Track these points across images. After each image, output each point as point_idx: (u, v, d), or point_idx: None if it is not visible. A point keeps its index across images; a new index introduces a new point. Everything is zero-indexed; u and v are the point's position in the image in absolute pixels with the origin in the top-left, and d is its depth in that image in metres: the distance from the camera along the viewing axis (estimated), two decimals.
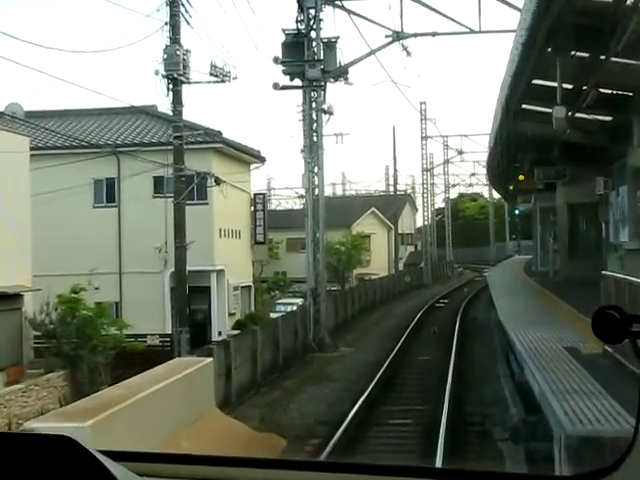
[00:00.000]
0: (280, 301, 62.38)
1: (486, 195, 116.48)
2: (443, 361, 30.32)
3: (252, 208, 52.19)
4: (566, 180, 36.87)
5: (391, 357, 31.19)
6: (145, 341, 42.58)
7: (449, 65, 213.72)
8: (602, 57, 19.66)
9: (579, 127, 29.33)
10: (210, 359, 20.29)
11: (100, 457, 2.09)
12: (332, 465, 2.89)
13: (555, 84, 24.09)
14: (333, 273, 75.60)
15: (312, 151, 34.47)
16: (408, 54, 35.60)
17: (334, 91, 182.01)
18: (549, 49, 19.74)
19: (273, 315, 54.41)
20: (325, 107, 34.96)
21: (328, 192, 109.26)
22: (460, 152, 73.54)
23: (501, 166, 45.95)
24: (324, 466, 2.96)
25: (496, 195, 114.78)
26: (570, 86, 24.63)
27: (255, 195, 52.31)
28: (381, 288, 57.65)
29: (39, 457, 2.11)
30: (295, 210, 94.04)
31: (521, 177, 37.28)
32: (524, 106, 29.97)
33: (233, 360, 23.88)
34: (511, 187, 48.88)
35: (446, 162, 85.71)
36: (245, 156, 49.53)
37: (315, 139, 34.59)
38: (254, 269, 70.52)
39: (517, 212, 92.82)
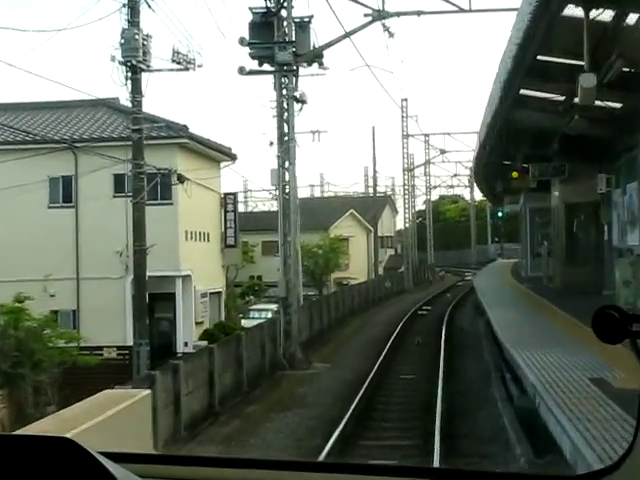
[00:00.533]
0: (254, 307, 59.04)
1: (467, 197, 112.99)
2: (430, 380, 26.38)
3: (222, 209, 48.21)
4: (564, 177, 33.00)
5: (371, 375, 27.25)
6: (101, 354, 38.86)
7: (435, 51, 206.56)
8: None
9: (586, 115, 25.44)
10: (147, 391, 16.17)
11: (101, 459, 2.06)
12: (331, 466, 2.82)
13: (565, 61, 20.30)
14: (310, 277, 72.82)
15: (283, 144, 30.40)
16: (390, 35, 31.68)
17: (310, 85, 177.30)
18: (569, 5, 15.79)
19: (245, 322, 51.38)
20: (297, 95, 30.92)
21: (306, 194, 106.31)
22: (443, 151, 69.57)
23: (490, 163, 42.10)
24: (323, 467, 2.87)
25: (478, 197, 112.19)
26: (581, 63, 20.79)
27: (225, 195, 48.17)
28: (360, 294, 53.60)
29: (40, 459, 2.07)
30: (271, 212, 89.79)
31: (514, 174, 33.41)
32: (523, 92, 26.04)
33: (183, 386, 19.82)
34: (500, 186, 45.07)
35: (427, 162, 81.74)
36: (214, 153, 45.55)
37: (286, 130, 30.53)
38: (228, 273, 69.35)
39: (500, 214, 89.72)
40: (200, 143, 42.73)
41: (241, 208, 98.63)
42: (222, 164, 48.38)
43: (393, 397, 24.85)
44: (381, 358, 30.89)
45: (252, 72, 30.52)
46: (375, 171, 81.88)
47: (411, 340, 36.80)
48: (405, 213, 76.44)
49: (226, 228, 48.21)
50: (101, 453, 2.10)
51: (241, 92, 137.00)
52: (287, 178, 30.86)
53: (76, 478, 2.02)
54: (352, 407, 22.16)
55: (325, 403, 23.93)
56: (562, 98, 25.99)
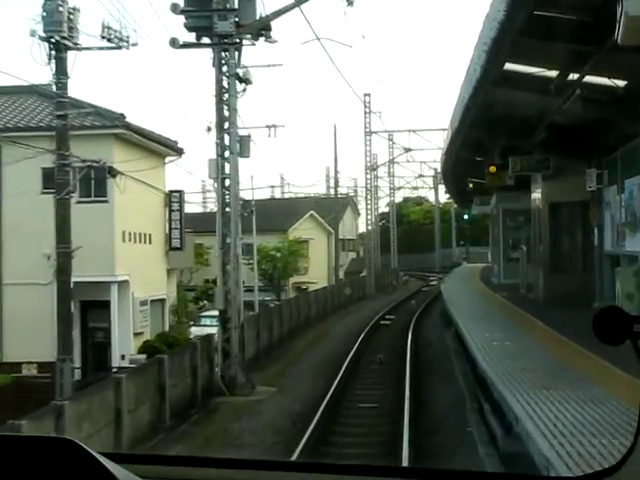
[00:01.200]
0: (205, 313, 53.68)
1: (432, 199, 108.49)
2: (394, 412, 21.66)
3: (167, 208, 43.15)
4: (548, 172, 28.29)
5: (324, 403, 22.45)
6: (20, 371, 33.85)
7: (401, 34, 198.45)
8: None
9: (583, 95, 20.79)
10: None
11: (102, 460, 2.04)
12: (332, 467, 2.74)
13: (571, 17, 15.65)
14: (268, 281, 68.50)
15: (222, 130, 25.43)
16: (349, 3, 26.84)
17: (264, 76, 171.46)
18: None
19: (195, 329, 46.62)
20: (240, 73, 25.99)
21: (267, 195, 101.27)
22: (407, 150, 64.71)
23: (461, 158, 37.42)
24: (324, 468, 2.77)
25: (442, 198, 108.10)
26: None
27: (170, 193, 43.03)
28: (317, 302, 48.57)
29: (42, 460, 2.05)
30: (229, 213, 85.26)
31: (492, 168, 28.67)
32: (509, 66, 21.29)
33: (68, 432, 14.74)
34: (471, 184, 40.45)
35: (391, 161, 76.92)
36: (157, 146, 40.43)
37: (226, 114, 25.57)
38: (182, 277, 64.76)
39: (466, 216, 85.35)
40: (139, 134, 37.65)
41: (199, 209, 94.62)
42: (167, 159, 43.27)
43: (350, 435, 19.96)
44: (337, 380, 26.15)
45: (186, 45, 25.52)
46: (336, 171, 77.08)
47: (372, 357, 31.97)
48: (367, 214, 71.56)
49: (171, 229, 43.12)
50: (102, 453, 2.08)
51: (190, 77, 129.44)
52: (227, 170, 25.83)
53: (77, 479, 2.00)
54: (297, 451, 17.34)
55: (265, 443, 19.07)
56: (555, 73, 21.29)
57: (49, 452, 2.05)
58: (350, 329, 41.35)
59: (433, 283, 78.92)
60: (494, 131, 28.00)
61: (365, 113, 63.12)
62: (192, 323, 51.40)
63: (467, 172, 41.31)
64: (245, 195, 64.11)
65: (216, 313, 53.41)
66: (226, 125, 25.49)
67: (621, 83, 20.97)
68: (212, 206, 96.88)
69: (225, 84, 25.47)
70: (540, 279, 30.58)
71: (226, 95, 25.47)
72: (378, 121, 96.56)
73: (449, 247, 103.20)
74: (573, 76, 20.67)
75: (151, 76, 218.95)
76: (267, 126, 52.76)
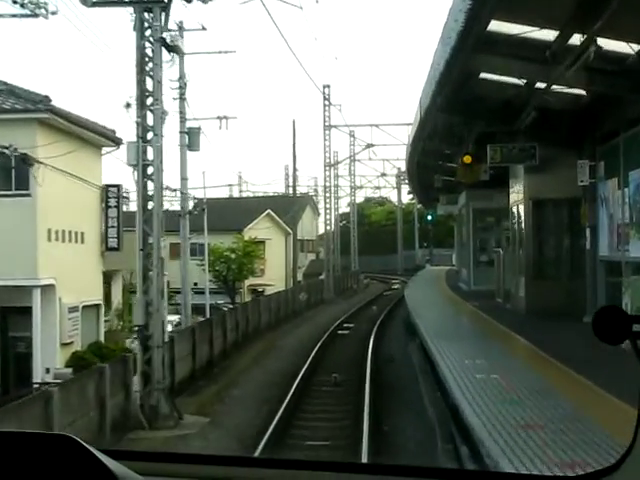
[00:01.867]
0: None
1: (394, 199, 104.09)
2: (348, 455, 16.98)
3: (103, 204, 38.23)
4: (533, 164, 23.77)
5: (265, 439, 17.85)
6: None
7: (363, 21, 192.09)
8: None
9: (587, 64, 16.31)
10: None
11: (101, 456, 2.04)
12: (333, 465, 2.74)
13: None
14: (222, 283, 64.01)
15: (144, 106, 20.62)
16: None
17: (219, 68, 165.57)
18: None
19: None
20: (168, 39, 21.24)
21: (225, 194, 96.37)
22: (369, 145, 60.09)
23: (430, 151, 33.01)
24: (325, 466, 2.79)
25: (405, 199, 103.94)
26: None
27: (106, 187, 38.05)
28: (269, 308, 43.75)
29: (40, 456, 2.04)
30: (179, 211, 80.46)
31: (466, 158, 24.15)
32: (494, 27, 16.77)
33: None
34: (439, 181, 36.05)
35: (352, 158, 72.36)
36: (91, 135, 35.40)
37: (150, 87, 20.75)
38: (132, 279, 60.58)
39: (430, 217, 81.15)
40: (68, 120, 32.69)
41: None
42: (104, 150, 38.33)
43: None
44: (283, 407, 21.51)
45: (99, 3, 20.68)
46: (295, 168, 72.43)
47: (326, 375, 27.29)
48: (326, 214, 66.81)
49: (107, 227, 38.19)
50: (101, 450, 2.07)
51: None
52: (151, 156, 21.01)
53: (76, 475, 1.99)
54: None
55: None
56: (554, 35, 16.81)
57: (48, 448, 2.02)
58: (304, 340, 36.70)
59: (395, 287, 74.44)
60: (471, 113, 23.52)
61: (324, 106, 58.44)
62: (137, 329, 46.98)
63: (435, 167, 36.89)
64: (201, 194, 60.50)
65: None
66: (149, 101, 20.68)
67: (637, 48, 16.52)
68: (167, 205, 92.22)
69: (149, 51, 20.66)
70: (521, 287, 26.10)
71: (150, 64, 20.65)
72: (339, 115, 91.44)
73: (412, 249, 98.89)
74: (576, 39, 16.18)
75: (79, 52, 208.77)
76: (218, 117, 48.19)
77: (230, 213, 68.69)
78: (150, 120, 20.71)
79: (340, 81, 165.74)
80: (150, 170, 20.76)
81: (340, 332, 39.41)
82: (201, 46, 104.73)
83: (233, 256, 65.13)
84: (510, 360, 17.34)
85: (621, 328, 2.18)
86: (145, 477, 2.25)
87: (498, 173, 29.39)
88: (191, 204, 60.53)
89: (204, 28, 40.57)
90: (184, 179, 42.11)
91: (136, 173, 20.60)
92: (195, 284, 56.14)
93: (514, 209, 27.93)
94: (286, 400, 22.62)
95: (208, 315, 50.72)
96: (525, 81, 20.16)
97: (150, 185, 20.72)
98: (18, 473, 2.02)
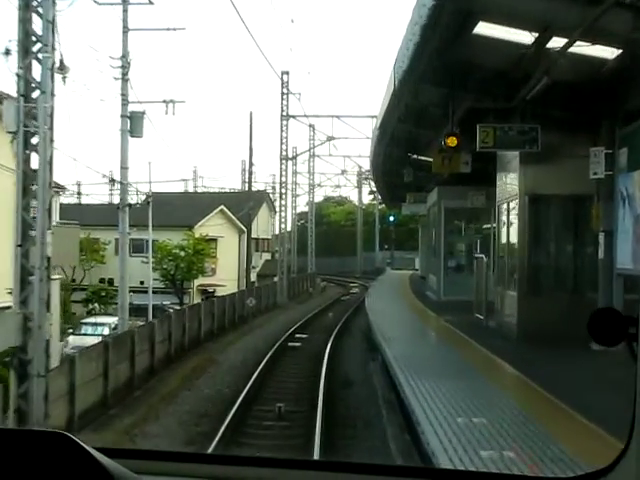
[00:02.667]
0: (87, 320, 43.83)
1: (354, 199, 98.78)
2: None
3: None
4: (534, 150, 18.46)
5: None
6: None
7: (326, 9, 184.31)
8: None
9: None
10: None
11: (97, 454, 2.00)
12: (333, 464, 2.69)
13: None
14: (170, 283, 59.40)
15: (28, 54, 15.04)
16: None
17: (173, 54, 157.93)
18: None
19: (74, 339, 37.28)
20: None
21: (180, 189, 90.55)
22: (330, 138, 54.70)
23: (400, 139, 27.81)
24: (325, 465, 2.78)
25: (366, 199, 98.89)
26: None
27: None
28: (212, 314, 38.07)
29: (36, 453, 2.00)
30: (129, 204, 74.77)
31: (451, 140, 18.69)
32: None
33: None
34: (409, 174, 30.80)
35: (312, 152, 66.98)
36: None
37: (38, 30, 15.17)
38: (75, 274, 55.66)
39: (392, 218, 75.97)
40: None
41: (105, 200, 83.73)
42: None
43: None
44: (210, 452, 16.01)
45: None
46: (251, 163, 66.89)
47: (269, 404, 21.84)
48: (281, 210, 61.05)
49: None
50: (97, 449, 2.02)
51: None
52: (44, 122, 15.42)
53: (72, 473, 1.95)
54: None
55: None
56: None
57: (43, 446, 1.98)
58: (249, 354, 31.23)
59: (354, 291, 69.09)
60: (458, 83, 18.21)
61: (282, 94, 52.83)
62: (70, 332, 41.36)
63: (404, 160, 31.60)
64: (154, 188, 55.19)
65: (102, 319, 43.96)
66: (36, 47, 15.12)
67: None
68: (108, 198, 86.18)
69: None
70: (510, 303, 20.79)
71: None
72: (298, 105, 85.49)
73: (372, 251, 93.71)
74: None
75: None
76: (164, 101, 42.68)
77: (181, 209, 63.28)
78: (37, 73, 15.18)
79: (300, 71, 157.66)
80: (36, 140, 15.20)
81: (291, 344, 33.90)
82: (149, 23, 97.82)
83: (182, 254, 59.82)
84: (521, 417, 11.95)
85: (617, 330, 2.13)
86: (140, 475, 2.20)
87: (477, 167, 24.30)
88: (141, 198, 56.02)
89: (151, 2, 36.03)
90: (124, 168, 37.25)
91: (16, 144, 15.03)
92: (141, 283, 51.30)
93: (502, 207, 22.56)
94: (214, 441, 17.31)
95: (151, 317, 46.44)
96: (536, 36, 14.84)
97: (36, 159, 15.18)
98: (13, 470, 1.95)
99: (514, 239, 21.00)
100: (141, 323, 37.07)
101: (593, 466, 2.36)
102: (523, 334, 19.55)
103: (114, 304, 46.76)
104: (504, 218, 21.81)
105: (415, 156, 31.78)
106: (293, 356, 31.34)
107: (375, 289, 42.39)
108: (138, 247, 54.31)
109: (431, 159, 33.28)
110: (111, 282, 55.14)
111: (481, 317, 23.51)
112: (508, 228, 21.09)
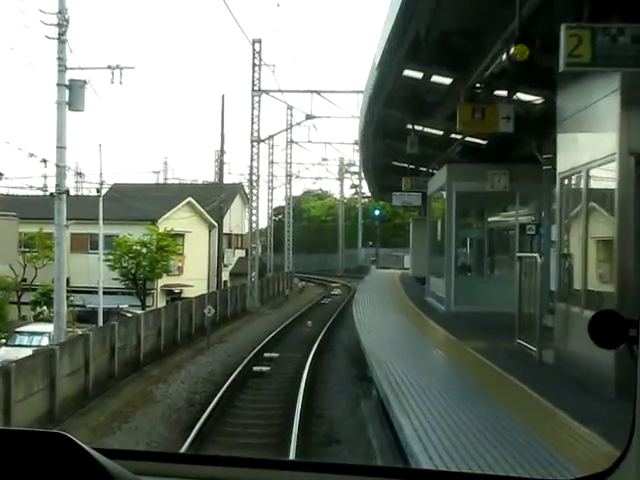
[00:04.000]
0: (23, 328, 36.80)
1: (335, 193, 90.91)
2: None
3: None
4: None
5: None
6: None
7: None
8: None
9: None
10: None
11: (96, 455, 1.93)
12: (333, 466, 2.57)
13: None
14: (131, 283, 52.22)
15: None
16: None
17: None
18: None
19: (5, 351, 31.14)
20: None
21: (152, 181, 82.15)
22: (309, 117, 46.29)
23: (401, 94, 19.77)
24: (325, 467, 2.62)
25: (348, 193, 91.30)
26: None
27: None
28: (158, 327, 29.41)
29: (34, 454, 1.93)
30: (85, 197, 66.79)
31: (520, 50, 10.42)
32: None
33: None
34: (414, 146, 22.69)
35: (289, 131, 58.66)
36: None
37: None
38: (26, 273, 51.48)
39: (377, 212, 68.26)
40: None
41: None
42: None
43: None
44: None
45: None
46: (222, 150, 58.89)
47: None
48: (251, 200, 52.53)
49: None
50: (96, 449, 1.96)
51: None
52: None
53: (71, 474, 1.90)
54: None
55: None
56: None
57: (42, 446, 1.93)
58: (198, 385, 22.86)
59: (336, 292, 60.85)
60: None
61: (254, 65, 44.33)
62: (3, 342, 35.06)
63: (403, 131, 23.53)
64: (120, 179, 48.02)
65: (40, 328, 36.63)
66: None
67: None
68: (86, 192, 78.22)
69: None
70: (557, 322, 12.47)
71: None
72: (272, 79, 75.43)
73: (354, 247, 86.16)
74: None
75: None
76: (109, 67, 35.74)
77: (145, 201, 55.45)
78: None
79: (276, 41, 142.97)
80: None
81: (257, 369, 25.36)
82: None
83: (144, 250, 52.49)
84: None
85: (617, 332, 2.12)
86: (139, 476, 2.15)
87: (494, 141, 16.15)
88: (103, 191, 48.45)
89: None
90: (60, 147, 31.25)
91: None
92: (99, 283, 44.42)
93: (572, 180, 14.07)
94: None
95: (101, 322, 38.85)
96: None
97: None
98: (12, 471, 1.90)
99: (601, 228, 12.67)
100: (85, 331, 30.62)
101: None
102: (623, 387, 11.24)
103: (69, 306, 39.36)
104: (579, 195, 13.35)
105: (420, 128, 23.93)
106: (258, 388, 22.86)
107: (363, 294, 33.87)
108: (96, 243, 47.55)
109: (437, 131, 25.29)
110: (67, 281, 48.08)
111: (529, 346, 15.25)
112: (587, 211, 12.74)
